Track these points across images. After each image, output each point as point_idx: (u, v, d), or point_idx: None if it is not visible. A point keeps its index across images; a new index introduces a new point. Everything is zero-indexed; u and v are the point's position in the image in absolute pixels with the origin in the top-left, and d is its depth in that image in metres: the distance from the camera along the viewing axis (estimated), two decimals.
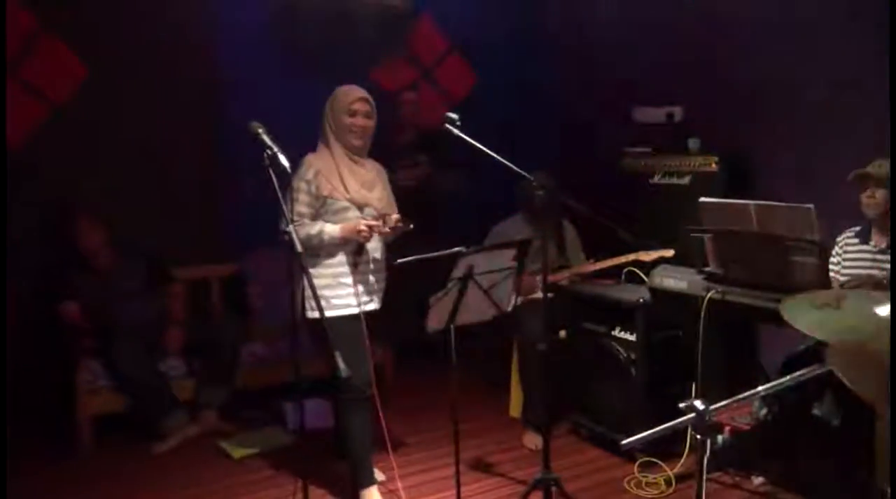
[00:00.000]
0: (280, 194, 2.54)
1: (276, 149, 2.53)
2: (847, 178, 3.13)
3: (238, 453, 3.87)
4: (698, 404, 1.46)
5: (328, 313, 2.96)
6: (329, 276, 3.13)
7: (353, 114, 3.16)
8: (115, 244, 4.14)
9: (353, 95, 3.19)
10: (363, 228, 3.04)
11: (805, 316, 1.46)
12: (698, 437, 1.47)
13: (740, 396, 1.55)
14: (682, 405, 1.50)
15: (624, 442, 1.54)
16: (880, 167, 3.09)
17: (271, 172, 2.52)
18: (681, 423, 1.47)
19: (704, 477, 1.48)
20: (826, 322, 1.42)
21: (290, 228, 2.55)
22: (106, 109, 4.39)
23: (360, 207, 3.16)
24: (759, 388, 1.53)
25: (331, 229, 3.08)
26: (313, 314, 3.03)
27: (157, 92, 4.50)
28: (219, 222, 4.76)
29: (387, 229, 3.09)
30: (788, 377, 1.47)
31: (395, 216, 3.12)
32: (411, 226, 3.10)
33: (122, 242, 4.16)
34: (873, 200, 3.12)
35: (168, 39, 4.53)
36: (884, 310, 1.41)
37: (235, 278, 4.78)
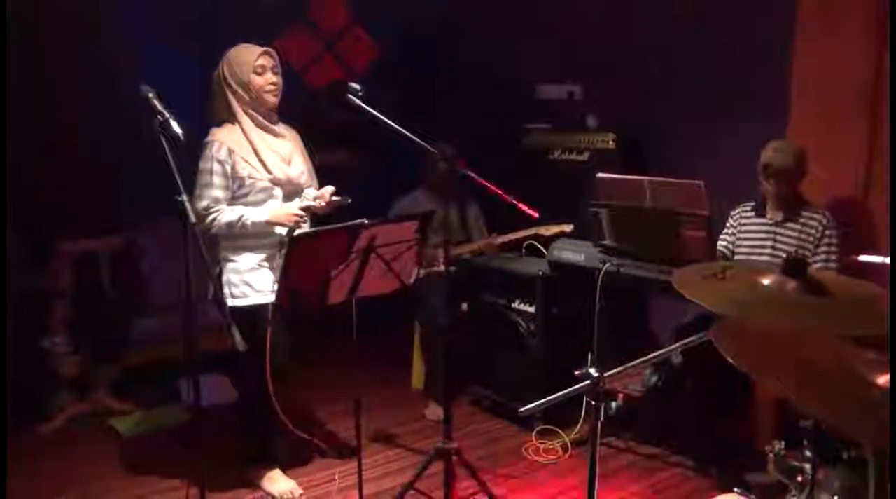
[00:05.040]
0: (173, 163, 2.42)
1: (168, 114, 2.40)
2: (760, 166, 3.25)
3: (129, 431, 3.74)
4: (592, 371, 1.50)
5: (250, 299, 2.92)
6: (252, 260, 2.99)
7: (261, 71, 2.93)
8: None
9: (254, 51, 2.92)
10: (300, 214, 2.89)
11: (694, 287, 1.52)
12: (592, 403, 1.51)
13: (632, 363, 1.61)
14: (577, 373, 1.54)
15: (521, 409, 1.57)
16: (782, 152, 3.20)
17: (163, 139, 2.40)
18: (576, 390, 1.51)
19: (598, 442, 1.53)
20: (713, 293, 1.49)
21: (184, 197, 2.42)
22: None
23: (283, 186, 2.99)
24: (650, 356, 1.58)
25: (254, 216, 2.90)
26: (237, 302, 2.93)
27: (42, 55, 4.20)
28: (110, 192, 4.51)
29: (323, 204, 2.94)
30: (676, 345, 1.54)
31: (331, 189, 2.98)
32: (349, 200, 2.96)
33: None
34: (783, 188, 3.25)
35: (59, 2, 4.22)
36: (767, 280, 1.49)
37: (127, 251, 4.57)
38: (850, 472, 1.36)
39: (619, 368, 1.56)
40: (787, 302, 1.42)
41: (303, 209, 2.92)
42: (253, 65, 2.92)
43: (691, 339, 1.55)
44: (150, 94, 2.43)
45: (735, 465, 3.14)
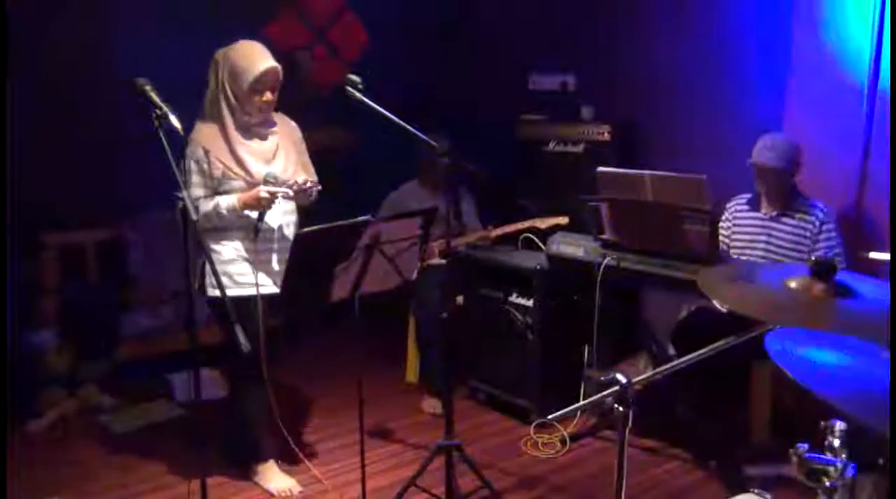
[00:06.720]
0: (171, 157, 2.35)
1: (165, 108, 2.31)
2: (748, 162, 3.25)
3: (121, 427, 3.67)
4: (620, 377, 1.47)
5: (232, 291, 2.80)
6: (233, 251, 2.92)
7: (259, 90, 2.81)
8: None
9: (260, 63, 2.79)
10: (264, 195, 2.78)
11: (723, 290, 1.50)
12: (620, 409, 1.49)
13: (661, 368, 1.58)
14: (602, 379, 1.51)
15: (549, 417, 1.55)
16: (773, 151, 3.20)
17: (161, 133, 2.33)
18: (604, 396, 1.48)
19: (626, 447, 1.51)
20: (744, 297, 1.47)
21: (184, 193, 2.35)
22: None
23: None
24: (680, 360, 1.56)
25: (227, 202, 2.83)
26: (214, 292, 2.86)
27: (34, 45, 4.08)
28: (98, 184, 4.41)
29: (290, 193, 2.85)
30: (707, 349, 1.51)
31: (302, 178, 2.89)
32: (319, 186, 2.91)
33: None
34: (775, 186, 3.26)
35: None
36: (794, 283, 1.47)
37: (115, 243, 4.48)
38: (883, 478, 1.35)
39: (647, 374, 1.54)
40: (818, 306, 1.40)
41: (268, 192, 2.79)
42: (254, 79, 2.79)
43: (723, 342, 1.52)
44: (147, 87, 2.34)
45: (733, 458, 3.15)
